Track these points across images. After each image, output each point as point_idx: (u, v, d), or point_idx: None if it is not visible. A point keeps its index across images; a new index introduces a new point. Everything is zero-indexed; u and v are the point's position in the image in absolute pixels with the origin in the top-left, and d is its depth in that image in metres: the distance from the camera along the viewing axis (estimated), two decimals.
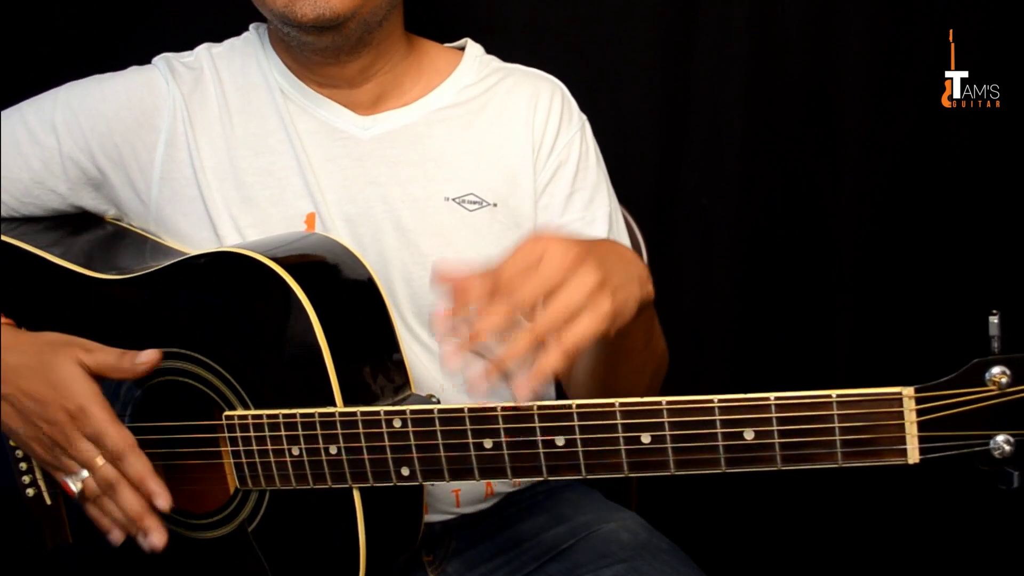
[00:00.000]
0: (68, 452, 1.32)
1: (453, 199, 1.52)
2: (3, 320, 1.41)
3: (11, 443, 1.47)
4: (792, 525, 2.23)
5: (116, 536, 1.35)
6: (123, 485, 1.32)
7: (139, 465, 1.31)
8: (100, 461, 1.31)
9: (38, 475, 1.48)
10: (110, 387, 1.38)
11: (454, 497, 1.56)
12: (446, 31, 1.70)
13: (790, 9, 2.08)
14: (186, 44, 1.62)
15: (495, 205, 1.53)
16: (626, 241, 1.67)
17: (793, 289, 2.16)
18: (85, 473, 1.32)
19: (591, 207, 1.59)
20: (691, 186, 2.13)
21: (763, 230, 2.14)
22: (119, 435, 1.31)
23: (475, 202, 1.53)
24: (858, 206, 2.12)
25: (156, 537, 1.33)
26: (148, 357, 1.33)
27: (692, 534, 1.70)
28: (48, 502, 1.48)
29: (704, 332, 2.20)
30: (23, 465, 1.48)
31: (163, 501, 1.31)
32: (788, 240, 2.15)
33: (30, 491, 1.48)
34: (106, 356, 1.34)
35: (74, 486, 1.33)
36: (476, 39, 1.68)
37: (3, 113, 1.55)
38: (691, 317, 2.19)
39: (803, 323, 2.18)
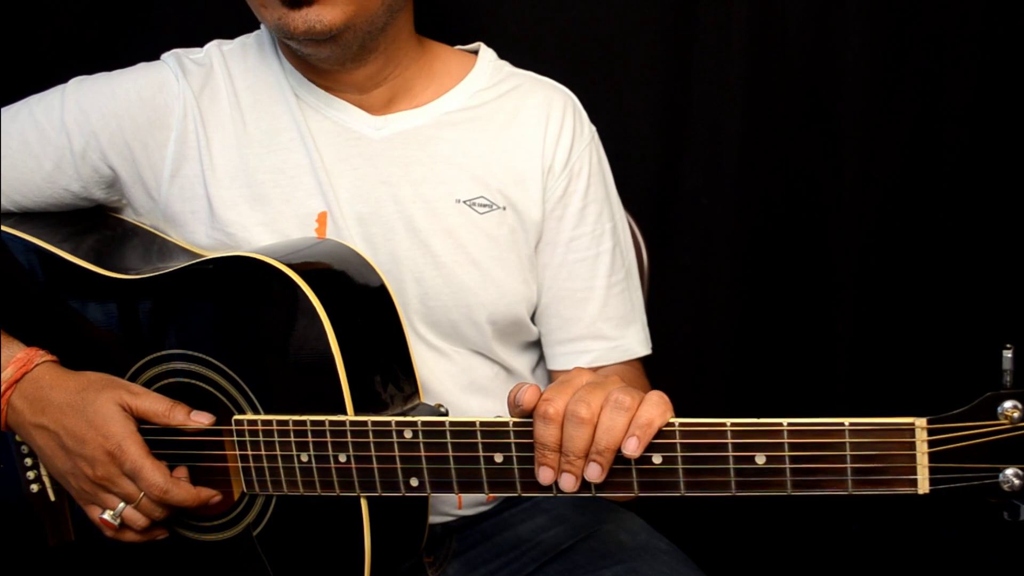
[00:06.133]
0: (111, 490, 1.35)
1: (464, 201, 1.53)
2: (49, 358, 1.41)
3: (16, 439, 1.48)
4: (792, 525, 2.26)
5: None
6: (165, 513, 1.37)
7: (182, 493, 1.34)
8: (141, 495, 1.34)
9: (43, 471, 1.48)
10: None
11: (456, 499, 1.58)
12: (449, 34, 1.69)
13: (790, 9, 2.09)
14: (186, 42, 1.61)
15: (504, 208, 1.54)
16: (630, 245, 1.69)
17: (793, 289, 2.18)
18: (122, 506, 1.34)
19: (601, 220, 1.60)
20: (691, 186, 2.14)
21: (763, 230, 2.16)
22: (154, 469, 1.33)
23: (485, 205, 1.53)
24: (858, 205, 2.14)
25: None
26: (204, 419, 1.35)
27: (691, 535, 1.72)
28: (52, 498, 1.48)
29: (704, 332, 2.21)
30: (28, 461, 1.48)
31: (218, 497, 1.37)
32: (788, 240, 2.16)
33: (34, 487, 1.48)
34: (154, 403, 1.35)
35: (113, 520, 1.35)
36: (479, 41, 1.67)
37: (10, 109, 1.55)
38: (691, 317, 2.20)
39: (803, 323, 2.19)
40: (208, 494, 1.36)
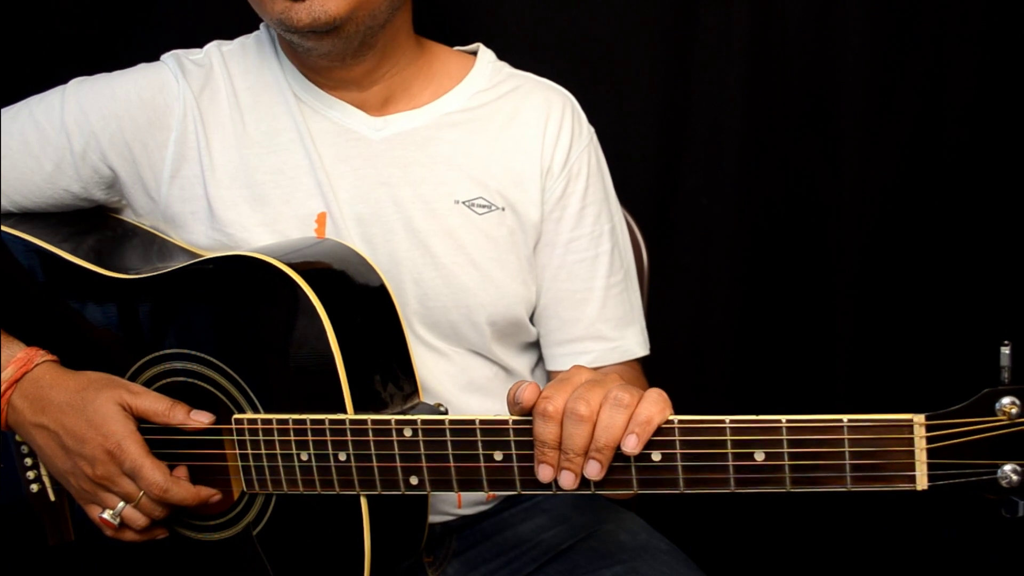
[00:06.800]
0: (111, 489, 1.35)
1: (463, 202, 1.53)
2: (49, 358, 1.41)
3: (16, 438, 1.48)
4: (791, 525, 2.26)
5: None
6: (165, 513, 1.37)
7: (182, 492, 1.34)
8: (141, 494, 1.34)
9: (43, 471, 1.48)
10: None
11: (456, 498, 1.58)
12: (449, 34, 1.69)
13: (790, 9, 2.09)
14: (186, 42, 1.61)
15: (503, 209, 1.54)
16: (628, 247, 1.69)
17: (793, 289, 2.18)
18: (121, 505, 1.34)
19: (599, 221, 1.61)
20: (691, 186, 2.14)
21: (763, 230, 2.16)
22: (154, 468, 1.33)
23: (484, 205, 1.53)
24: (858, 205, 2.14)
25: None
26: (204, 418, 1.36)
27: (691, 535, 1.72)
28: (51, 498, 1.48)
29: (704, 332, 2.21)
30: (28, 461, 1.48)
31: (217, 496, 1.38)
32: (788, 240, 2.16)
33: (34, 487, 1.48)
34: (154, 403, 1.35)
35: (113, 520, 1.35)
36: (478, 41, 1.68)
37: (10, 110, 1.55)
38: (691, 317, 2.20)
39: (803, 323, 2.20)
40: (208, 493, 1.36)
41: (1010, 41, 2.06)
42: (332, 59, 1.48)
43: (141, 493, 1.34)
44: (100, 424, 1.33)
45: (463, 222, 1.52)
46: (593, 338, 1.60)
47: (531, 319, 1.62)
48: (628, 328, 1.63)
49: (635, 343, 1.63)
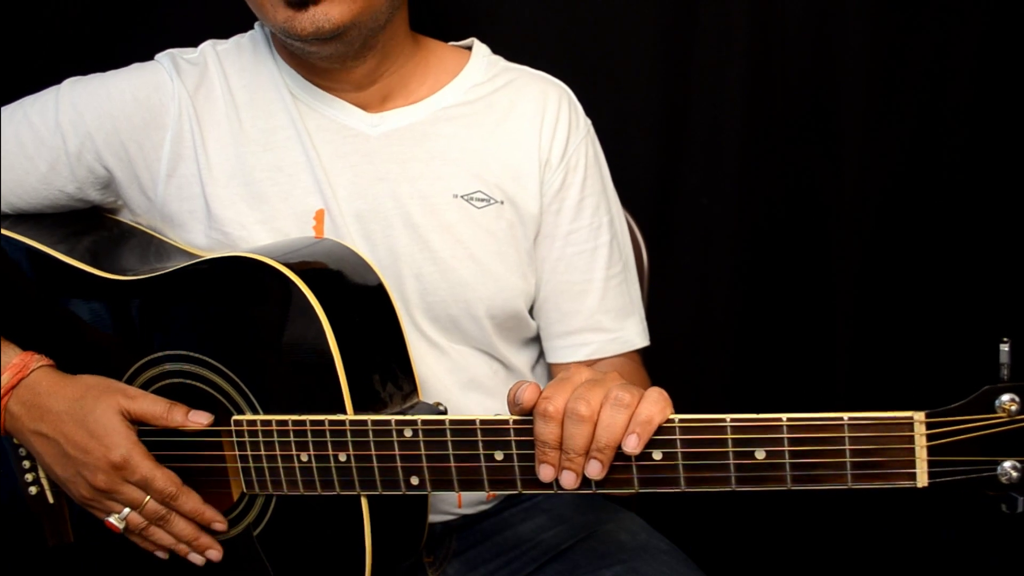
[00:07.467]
0: (115, 498, 1.35)
1: (461, 196, 1.53)
2: (44, 362, 1.41)
3: (14, 441, 1.47)
4: (791, 526, 2.26)
5: (162, 554, 1.41)
6: (173, 515, 1.37)
7: (191, 502, 1.36)
8: (147, 500, 1.35)
9: (41, 473, 1.48)
10: None
11: (456, 498, 1.58)
12: (448, 32, 1.69)
13: (790, 9, 2.08)
14: (184, 43, 1.61)
15: (502, 203, 1.54)
16: (627, 238, 1.69)
17: (793, 289, 2.18)
18: (127, 510, 1.35)
19: (598, 213, 1.61)
20: (691, 186, 2.14)
21: (763, 230, 2.15)
22: (166, 478, 1.35)
23: (483, 199, 1.53)
24: (858, 205, 2.13)
25: (215, 553, 1.39)
26: (203, 418, 1.36)
27: (691, 535, 1.72)
28: (50, 500, 1.48)
29: (704, 332, 2.21)
30: (26, 463, 1.48)
31: (221, 525, 1.38)
32: (788, 240, 2.16)
33: (32, 489, 1.48)
34: (152, 405, 1.36)
35: (119, 524, 1.36)
36: (477, 39, 1.68)
37: (5, 111, 1.54)
38: (691, 317, 2.20)
39: (804, 323, 2.19)
40: (212, 516, 1.37)
41: (1010, 41, 2.05)
42: (333, 62, 1.48)
43: (147, 498, 1.35)
44: (102, 436, 1.34)
45: (462, 216, 1.52)
46: (593, 329, 1.60)
47: (531, 312, 1.62)
48: (628, 319, 1.63)
49: (635, 334, 1.64)
